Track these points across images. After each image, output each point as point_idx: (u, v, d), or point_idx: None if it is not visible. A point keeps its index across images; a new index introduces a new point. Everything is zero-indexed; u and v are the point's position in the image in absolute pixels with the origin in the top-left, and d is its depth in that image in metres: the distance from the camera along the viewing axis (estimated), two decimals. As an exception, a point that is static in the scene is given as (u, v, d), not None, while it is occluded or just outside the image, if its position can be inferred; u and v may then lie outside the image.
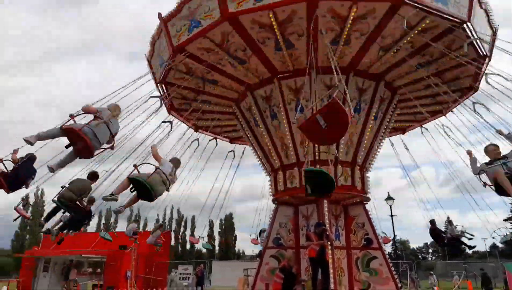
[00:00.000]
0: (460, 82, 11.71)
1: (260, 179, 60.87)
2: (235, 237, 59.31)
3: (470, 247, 11.96)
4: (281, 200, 12.23)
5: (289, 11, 8.74)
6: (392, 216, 21.73)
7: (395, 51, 9.98)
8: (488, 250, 44.10)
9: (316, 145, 11.00)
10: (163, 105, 12.66)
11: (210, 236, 54.04)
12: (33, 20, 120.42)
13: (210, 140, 15.65)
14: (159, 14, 10.67)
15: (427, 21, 8.86)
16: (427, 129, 14.44)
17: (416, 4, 8.30)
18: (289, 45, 9.92)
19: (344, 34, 9.20)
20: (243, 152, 16.65)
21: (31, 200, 46.83)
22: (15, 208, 7.73)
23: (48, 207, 8.05)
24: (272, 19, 8.91)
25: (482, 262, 30.80)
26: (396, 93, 11.89)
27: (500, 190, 6.41)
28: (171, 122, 13.11)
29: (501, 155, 6.72)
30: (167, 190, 7.13)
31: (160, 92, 12.30)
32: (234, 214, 58.77)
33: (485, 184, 6.86)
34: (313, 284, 9.42)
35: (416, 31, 9.10)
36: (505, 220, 12.31)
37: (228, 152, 16.39)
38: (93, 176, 8.36)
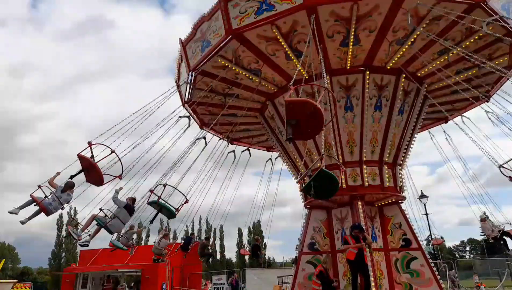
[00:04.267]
0: (495, 62, 10.81)
1: (285, 185, 60.75)
2: (265, 244, 58.73)
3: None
4: (313, 204, 12.17)
5: (290, 22, 8.86)
6: (427, 214, 20.42)
7: (411, 42, 9.55)
8: None
9: (341, 148, 10.91)
10: (191, 123, 13.36)
11: (240, 244, 53.84)
12: (58, 47, 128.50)
13: (242, 151, 16.03)
14: (180, 39, 11.35)
15: (438, 8, 8.39)
16: (468, 119, 13.47)
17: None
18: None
19: (351, 34, 9.07)
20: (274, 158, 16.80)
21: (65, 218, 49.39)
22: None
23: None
24: (276, 33, 9.08)
25: None
26: (422, 83, 11.30)
27: None
28: (204, 138, 13.77)
29: None
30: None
31: (188, 111, 12.98)
32: (261, 221, 58.07)
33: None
34: (353, 287, 9.29)
35: (427, 21, 8.68)
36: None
37: (266, 161, 16.70)
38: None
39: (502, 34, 9.11)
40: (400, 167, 11.63)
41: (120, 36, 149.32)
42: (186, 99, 12.33)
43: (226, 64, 10.37)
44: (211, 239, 16.13)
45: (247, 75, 10.85)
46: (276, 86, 11.51)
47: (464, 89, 12.20)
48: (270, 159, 17.35)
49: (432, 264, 11.05)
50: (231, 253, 59.94)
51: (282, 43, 9.27)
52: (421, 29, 8.94)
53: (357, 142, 10.74)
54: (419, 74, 11.08)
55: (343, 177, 10.65)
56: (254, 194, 16.70)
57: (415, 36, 9.26)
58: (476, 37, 9.47)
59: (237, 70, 10.58)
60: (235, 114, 13.23)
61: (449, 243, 70.86)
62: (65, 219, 49.85)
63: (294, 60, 9.79)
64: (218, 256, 57.05)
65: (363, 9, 8.48)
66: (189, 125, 13.10)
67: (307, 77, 10.69)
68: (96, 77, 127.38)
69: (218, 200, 15.32)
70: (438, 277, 10.57)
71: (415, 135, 12.18)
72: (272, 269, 21.66)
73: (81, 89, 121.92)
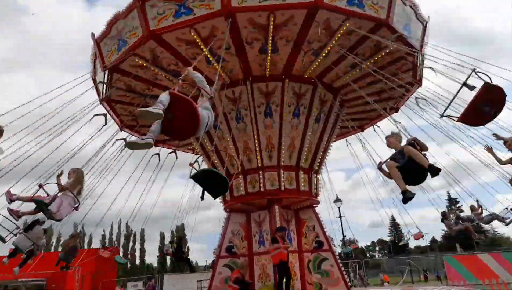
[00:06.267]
0: (400, 78, 11.84)
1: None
2: (188, 248, 58.70)
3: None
4: (233, 207, 12.25)
5: (210, 27, 8.82)
6: (341, 217, 22.13)
7: (325, 54, 10.07)
8: (429, 244, 45.81)
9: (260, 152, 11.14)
10: (112, 124, 12.69)
11: (161, 248, 52.58)
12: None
13: (169, 153, 15.60)
14: (92, 35, 10.67)
15: (348, 24, 8.95)
16: (380, 126, 14.58)
17: (331, 9, 8.48)
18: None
19: (269, 42, 9.28)
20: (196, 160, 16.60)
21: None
22: None
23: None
24: (195, 36, 8.97)
25: (424, 256, 31.91)
26: (338, 93, 12.00)
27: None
28: (125, 139, 13.13)
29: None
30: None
31: (106, 109, 12.32)
32: (185, 225, 57.62)
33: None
34: (279, 289, 9.39)
35: (339, 34, 9.25)
36: (442, 215, 12.52)
37: (191, 162, 16.34)
38: None
39: (405, 53, 10.14)
40: (315, 173, 12.20)
41: (38, 24, 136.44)
42: (102, 97, 11.68)
43: (144, 64, 10.03)
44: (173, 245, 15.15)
45: (166, 76, 10.58)
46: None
47: (376, 100, 13.25)
48: (197, 161, 17.04)
49: (344, 264, 11.75)
50: (152, 258, 57.97)
51: (202, 47, 9.18)
52: (334, 42, 9.48)
53: (276, 147, 11.03)
54: (334, 86, 11.74)
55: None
56: (178, 197, 16.20)
57: (328, 48, 9.74)
58: (383, 54, 10.27)
59: (156, 70, 10.27)
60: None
61: (361, 244, 76.74)
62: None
63: (215, 65, 9.76)
64: (138, 261, 54.91)
65: (280, 19, 8.71)
66: (106, 123, 12.40)
67: (228, 82, 10.86)
68: (8, 66, 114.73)
69: (140, 203, 14.77)
70: (346, 276, 11.25)
71: (331, 143, 12.91)
72: (193, 273, 21.18)
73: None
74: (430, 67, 10.45)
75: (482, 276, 14.98)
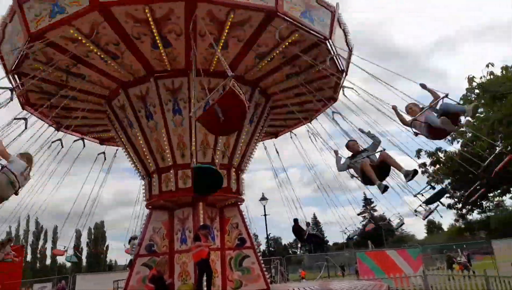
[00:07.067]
0: (324, 92, 13.02)
1: (134, 183, 58.18)
2: (107, 246, 54.95)
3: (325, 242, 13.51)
4: (155, 204, 11.74)
5: (166, 9, 8.47)
6: (265, 215, 23.15)
7: (269, 59, 10.55)
8: (345, 241, 50.69)
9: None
10: (16, 99, 11.07)
11: (78, 247, 48.97)
12: None
13: (74, 141, 14.10)
14: (14, -5, 9.18)
15: (296, 35, 9.63)
16: (295, 135, 15.69)
17: (287, 18, 9.01)
18: (167, 44, 9.58)
19: (222, 38, 9.31)
20: (115, 155, 15.50)
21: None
22: None
23: None
24: (148, 15, 8.49)
25: (340, 253, 35.49)
26: (269, 99, 12.60)
27: (366, 180, 7.21)
28: (26, 119, 11.49)
29: (361, 149, 7.76)
30: (16, 193, 6.17)
31: (12, 83, 10.63)
32: (105, 222, 54.22)
33: (352, 176, 7.78)
34: (199, 287, 9.26)
35: (287, 43, 9.82)
36: (358, 214, 14.14)
37: (98, 154, 15.06)
38: None
39: (335, 71, 11.24)
40: (242, 172, 12.51)
41: None
42: (12, 68, 10.11)
43: (80, 38, 9.03)
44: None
45: (101, 56, 9.69)
46: (132, 74, 10.69)
47: (297, 110, 14.28)
48: (104, 153, 15.80)
49: (267, 261, 12.23)
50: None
51: (153, 28, 8.76)
52: (280, 49, 10.03)
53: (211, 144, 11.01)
54: (268, 92, 12.33)
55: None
56: (96, 191, 14.61)
57: (274, 54, 10.27)
58: (317, 70, 11.17)
59: (91, 47, 9.33)
60: (75, 97, 11.58)
61: (284, 241, 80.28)
62: None
63: (161, 49, 9.47)
64: (48, 261, 48.47)
65: (238, 17, 8.85)
66: (11, 99, 10.70)
67: (170, 70, 10.49)
68: None
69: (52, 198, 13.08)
70: (267, 272, 11.75)
71: (257, 144, 13.43)
72: (111, 273, 19.58)
73: None
74: (351, 88, 11.92)
75: (389, 271, 17.09)
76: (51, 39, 9.03)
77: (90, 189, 14.65)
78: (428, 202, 9.87)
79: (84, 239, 51.74)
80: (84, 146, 14.33)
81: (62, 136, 13.63)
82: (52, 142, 13.44)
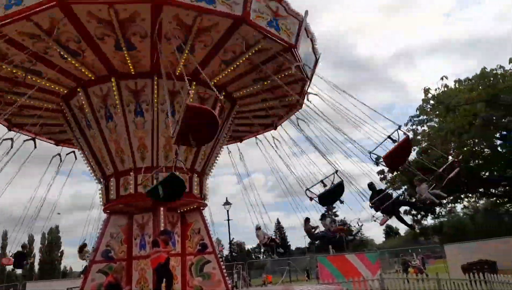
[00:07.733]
0: (289, 99, 13.20)
1: (92, 187, 56.18)
2: (62, 252, 52.27)
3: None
4: (114, 209, 11.34)
5: (131, 11, 8.27)
6: (228, 220, 22.98)
7: (236, 66, 10.55)
8: (308, 246, 51.36)
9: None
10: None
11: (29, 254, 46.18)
12: None
13: (25, 141, 13.34)
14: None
15: (263, 43, 9.74)
16: (261, 141, 15.74)
17: (254, 26, 9.10)
18: (131, 47, 9.37)
19: (188, 43, 9.24)
20: (75, 157, 14.81)
21: None
22: None
23: None
24: (112, 16, 8.26)
25: (302, 257, 36.00)
26: (235, 104, 12.58)
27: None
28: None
29: None
30: None
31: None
32: (60, 227, 51.47)
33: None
34: None
35: (253, 50, 9.88)
36: (320, 219, 14.36)
37: (53, 156, 14.33)
38: None
39: (301, 78, 11.45)
40: (205, 177, 12.36)
41: None
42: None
43: (38, 34, 8.59)
44: None
45: (61, 52, 9.27)
46: (94, 73, 10.30)
47: (263, 116, 14.40)
48: (59, 154, 15.06)
49: (229, 266, 12.14)
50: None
51: (116, 29, 8.52)
52: (247, 56, 10.07)
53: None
54: (234, 96, 12.30)
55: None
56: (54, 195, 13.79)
57: (240, 61, 10.29)
58: (283, 75, 11.32)
59: (50, 44, 8.89)
60: (31, 95, 10.96)
61: (248, 246, 79.70)
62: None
63: (125, 51, 9.22)
64: None
65: (205, 23, 8.83)
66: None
67: (133, 72, 10.23)
68: None
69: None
70: (229, 277, 11.66)
71: (221, 149, 13.34)
72: (64, 280, 18.57)
73: None
74: (316, 94, 12.21)
75: (348, 275, 17.40)
76: (7, 34, 8.52)
77: (45, 192, 13.90)
78: (325, 194, 9.95)
79: (37, 245, 48.90)
80: (35, 146, 13.57)
81: (14, 136, 12.87)
82: (3, 140, 12.69)
